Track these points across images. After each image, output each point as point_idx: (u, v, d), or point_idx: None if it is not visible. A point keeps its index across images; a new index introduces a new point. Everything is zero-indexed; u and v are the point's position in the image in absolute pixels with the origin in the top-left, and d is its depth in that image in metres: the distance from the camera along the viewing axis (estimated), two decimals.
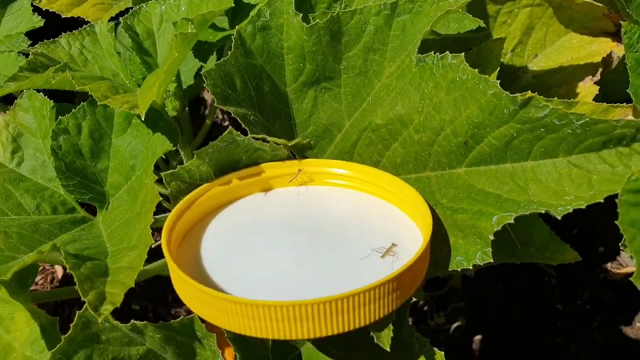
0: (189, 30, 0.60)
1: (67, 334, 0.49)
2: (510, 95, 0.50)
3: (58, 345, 0.48)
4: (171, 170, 0.54)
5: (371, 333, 0.46)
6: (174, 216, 0.51)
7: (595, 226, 1.12)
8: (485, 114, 0.52)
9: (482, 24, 0.67)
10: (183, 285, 0.45)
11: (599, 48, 0.95)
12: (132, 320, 0.49)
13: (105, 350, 0.51)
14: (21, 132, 0.68)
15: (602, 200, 0.48)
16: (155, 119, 0.60)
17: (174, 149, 0.58)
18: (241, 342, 0.53)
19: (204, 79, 0.57)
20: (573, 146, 0.50)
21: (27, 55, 0.85)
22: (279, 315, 0.40)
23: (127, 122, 0.61)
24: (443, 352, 0.50)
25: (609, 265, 1.11)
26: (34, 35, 0.85)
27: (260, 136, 0.58)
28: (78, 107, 0.60)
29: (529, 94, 0.50)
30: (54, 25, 0.88)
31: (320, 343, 0.59)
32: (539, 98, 0.49)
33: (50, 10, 0.84)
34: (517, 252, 0.68)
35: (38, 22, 0.86)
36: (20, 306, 0.59)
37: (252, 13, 0.87)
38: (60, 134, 0.60)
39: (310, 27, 0.62)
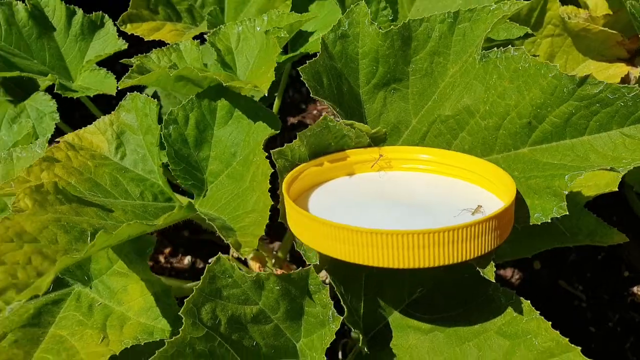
0: (282, 35, 0.70)
1: (198, 286, 0.55)
2: (569, 75, 0.60)
3: (190, 295, 0.54)
4: (279, 149, 0.62)
5: (477, 268, 0.53)
6: (288, 180, 0.59)
7: (620, 253, 1.19)
8: (547, 95, 0.61)
9: (530, 31, 0.78)
10: (307, 223, 0.52)
11: (616, 72, 1.05)
12: (256, 272, 0.56)
13: (225, 306, 0.57)
14: (123, 130, 0.77)
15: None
16: (255, 110, 0.69)
17: (277, 132, 0.66)
18: (345, 300, 0.59)
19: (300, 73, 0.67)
20: (625, 118, 0.59)
21: (113, 71, 0.96)
22: (402, 243, 0.47)
23: (229, 115, 0.70)
24: (529, 301, 0.57)
25: (635, 288, 1.17)
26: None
27: (349, 122, 0.66)
28: (187, 100, 0.69)
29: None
30: (135, 48, 0.98)
31: (407, 310, 0.66)
32: (594, 76, 0.58)
33: (135, 34, 0.95)
34: (568, 240, 0.76)
35: (122, 45, 0.97)
36: (135, 277, 0.65)
37: (311, 39, 0.99)
38: (170, 123, 0.68)
39: (385, 32, 0.72)
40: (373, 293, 0.65)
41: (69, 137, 0.76)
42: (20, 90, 1.20)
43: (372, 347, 0.63)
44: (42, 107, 1.09)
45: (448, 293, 0.63)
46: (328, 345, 0.57)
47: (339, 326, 0.57)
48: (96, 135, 0.77)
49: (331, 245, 0.51)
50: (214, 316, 0.56)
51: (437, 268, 0.60)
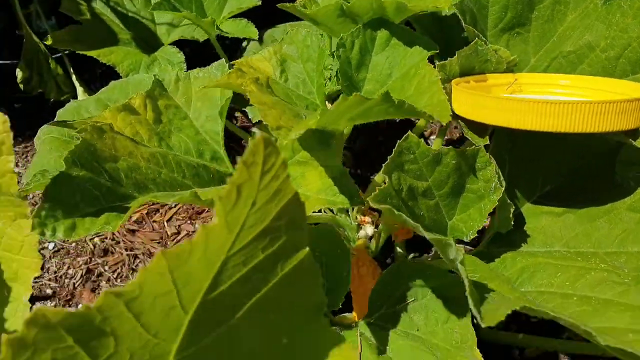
0: None
1: (391, 156, 0.68)
2: None
3: (386, 163, 0.68)
4: (442, 62, 0.76)
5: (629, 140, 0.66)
6: (453, 82, 0.73)
7: None
8: None
9: None
10: (486, 103, 0.66)
11: None
12: (440, 147, 0.69)
13: (405, 178, 0.70)
14: (285, 59, 0.91)
15: None
16: (411, 38, 0.83)
17: (436, 51, 0.80)
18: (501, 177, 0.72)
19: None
20: None
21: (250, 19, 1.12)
22: (579, 111, 0.61)
23: (386, 43, 0.84)
24: None
25: None
26: None
27: (495, 47, 0.80)
28: (355, 28, 0.83)
29: None
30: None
31: (539, 201, 0.79)
32: None
33: None
34: None
35: (257, 1, 1.13)
36: (314, 164, 0.78)
37: None
38: (340, 47, 0.83)
39: None
40: (512, 185, 0.78)
41: (242, 61, 0.90)
42: (147, 45, 1.37)
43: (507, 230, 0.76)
44: (171, 58, 1.25)
45: (577, 184, 0.76)
46: (491, 211, 0.70)
47: (500, 195, 0.70)
48: (262, 62, 0.91)
49: (514, 117, 0.65)
50: (399, 183, 0.69)
51: (576, 155, 0.73)
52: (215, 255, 0.41)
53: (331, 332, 0.49)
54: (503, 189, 0.70)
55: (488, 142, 0.71)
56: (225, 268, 0.44)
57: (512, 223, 0.73)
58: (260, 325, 0.49)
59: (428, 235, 0.60)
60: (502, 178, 0.70)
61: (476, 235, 0.72)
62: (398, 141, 0.69)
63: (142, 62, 1.25)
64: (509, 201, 0.71)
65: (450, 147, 0.69)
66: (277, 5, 1.01)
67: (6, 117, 0.56)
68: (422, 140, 0.69)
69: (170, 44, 1.32)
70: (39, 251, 0.69)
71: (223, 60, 0.94)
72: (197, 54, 1.43)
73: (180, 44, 1.32)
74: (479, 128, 0.73)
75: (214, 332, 0.47)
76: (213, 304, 0.45)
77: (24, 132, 1.46)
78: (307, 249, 0.48)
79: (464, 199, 0.73)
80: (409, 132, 0.69)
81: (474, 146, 0.70)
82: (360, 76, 0.86)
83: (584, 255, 0.71)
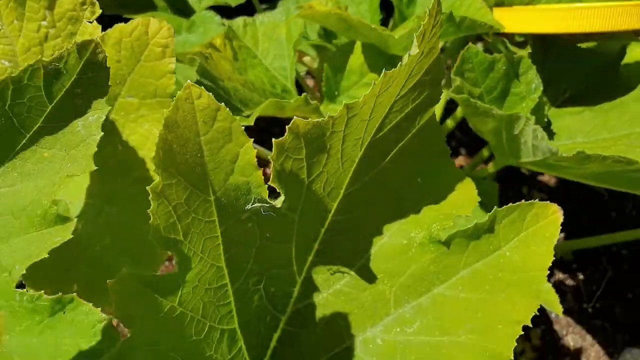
0: None
1: (456, 64, 0.85)
2: None
3: (453, 70, 0.85)
4: None
5: None
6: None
7: None
8: None
9: None
10: (529, 15, 0.84)
11: None
12: (494, 55, 0.86)
13: (464, 84, 0.87)
14: (339, 2, 1.07)
15: None
16: None
17: None
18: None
19: None
20: None
21: None
22: (610, 13, 0.80)
23: None
24: None
25: None
26: None
27: None
28: None
29: None
30: None
31: (561, 106, 0.98)
32: None
33: None
34: None
35: None
36: None
37: None
38: None
39: None
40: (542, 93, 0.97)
41: (305, 4, 1.05)
42: (180, 12, 1.49)
43: None
44: (209, 21, 1.38)
45: (593, 87, 0.96)
46: (532, 107, 0.88)
47: (540, 94, 0.88)
48: (320, 6, 1.06)
49: (559, 24, 0.83)
50: (461, 86, 0.86)
51: (591, 61, 0.93)
52: (394, 92, 0.56)
53: (456, 171, 0.65)
54: (542, 88, 0.88)
55: (530, 51, 0.89)
56: (390, 112, 0.59)
57: (546, 120, 0.92)
58: (402, 169, 0.64)
59: (497, 114, 0.77)
60: (540, 80, 0.89)
61: None
62: (461, 51, 0.86)
63: (183, 25, 1.37)
64: (544, 99, 0.89)
65: (502, 54, 0.87)
66: None
67: (170, 25, 0.69)
68: (481, 50, 0.86)
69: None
70: None
71: (289, 4, 1.08)
72: None
73: None
74: (518, 44, 0.91)
75: (371, 173, 0.63)
76: (374, 146, 0.61)
77: None
78: (434, 107, 0.64)
79: (508, 102, 0.91)
80: (470, 42, 0.86)
81: (517, 54, 0.88)
82: (409, 11, 1.02)
83: (604, 140, 0.90)
